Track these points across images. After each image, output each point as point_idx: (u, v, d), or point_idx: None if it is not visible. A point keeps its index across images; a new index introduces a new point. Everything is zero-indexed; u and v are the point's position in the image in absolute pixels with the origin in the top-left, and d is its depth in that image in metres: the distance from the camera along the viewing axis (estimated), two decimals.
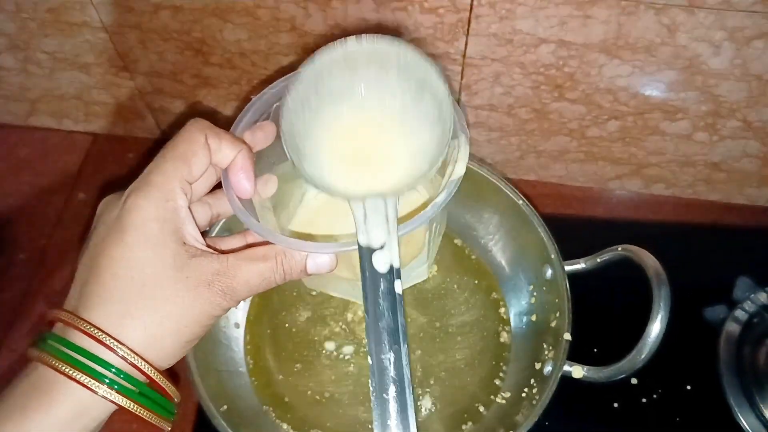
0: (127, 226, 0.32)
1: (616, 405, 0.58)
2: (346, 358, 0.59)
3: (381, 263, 0.32)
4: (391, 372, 0.32)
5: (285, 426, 0.56)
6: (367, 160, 0.36)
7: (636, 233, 0.53)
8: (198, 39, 0.62)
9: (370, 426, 0.55)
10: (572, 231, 0.56)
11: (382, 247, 0.32)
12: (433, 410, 0.56)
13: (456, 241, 0.64)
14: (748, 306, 0.61)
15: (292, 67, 0.62)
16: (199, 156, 0.34)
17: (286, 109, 0.35)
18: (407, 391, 0.32)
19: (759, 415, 0.57)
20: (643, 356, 0.45)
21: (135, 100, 0.72)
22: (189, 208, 0.34)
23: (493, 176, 0.58)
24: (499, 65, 0.59)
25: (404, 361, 0.32)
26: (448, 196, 0.34)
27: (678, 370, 0.59)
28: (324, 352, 0.59)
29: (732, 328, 0.61)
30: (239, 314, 0.61)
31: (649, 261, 0.47)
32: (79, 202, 0.73)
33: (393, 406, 0.32)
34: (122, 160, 0.75)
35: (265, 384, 0.58)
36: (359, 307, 0.61)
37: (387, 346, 0.32)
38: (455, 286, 0.62)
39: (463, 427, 0.56)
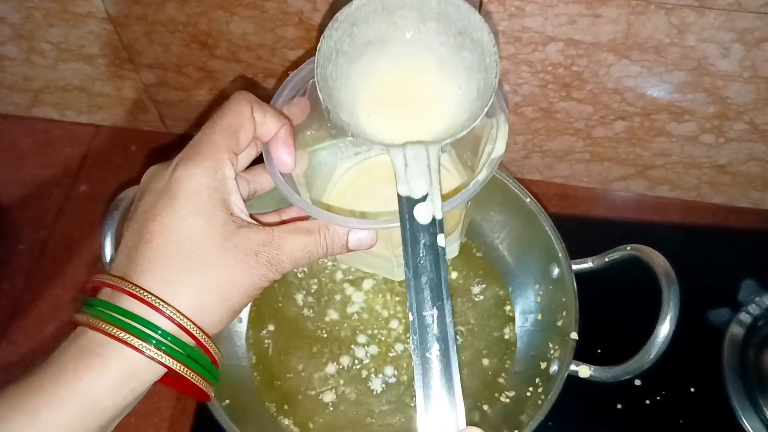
0: (178, 193, 0.32)
1: (619, 406, 0.58)
2: (351, 353, 0.59)
3: (423, 215, 0.31)
4: (435, 330, 0.31)
5: (287, 421, 0.55)
6: (405, 107, 0.35)
7: (640, 234, 0.53)
8: (204, 31, 0.61)
9: (373, 422, 0.56)
10: (576, 231, 0.56)
11: (423, 199, 0.31)
12: None
13: (462, 238, 0.63)
14: (753, 309, 0.61)
15: (298, 62, 0.62)
16: (246, 128, 0.35)
17: (321, 56, 0.34)
18: (451, 350, 0.31)
19: (763, 419, 0.56)
20: (651, 357, 0.44)
21: (139, 92, 0.71)
22: (235, 179, 0.34)
23: (500, 173, 0.57)
24: (507, 63, 0.59)
25: (448, 319, 0.31)
26: (490, 173, 0.33)
27: (682, 373, 0.58)
28: (327, 347, 0.59)
29: (736, 330, 0.60)
30: None
31: (658, 261, 0.46)
32: (81, 194, 0.72)
33: (436, 366, 0.31)
34: (125, 153, 0.75)
35: (267, 379, 0.58)
36: (363, 301, 0.61)
37: (430, 302, 0.31)
38: (460, 283, 0.62)
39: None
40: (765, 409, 0.57)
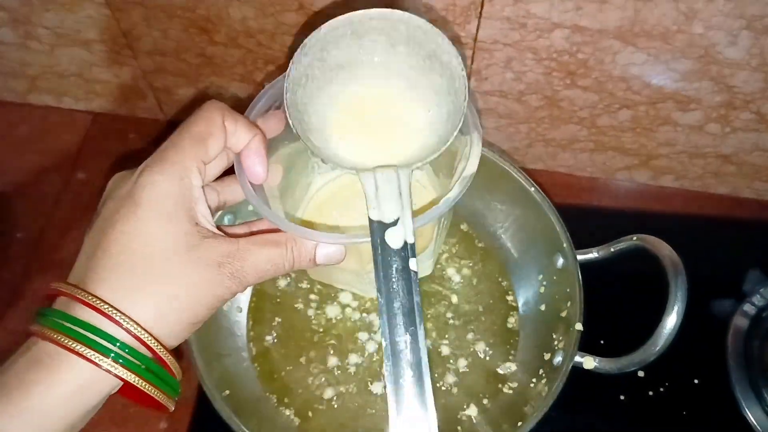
0: (141, 200, 0.32)
1: (622, 398, 0.58)
2: (353, 347, 0.58)
3: (394, 239, 0.31)
4: (408, 356, 0.31)
5: (287, 412, 0.55)
6: (375, 130, 0.35)
7: (643, 225, 0.52)
8: (203, 16, 0.60)
9: (374, 413, 0.55)
10: (579, 221, 0.55)
11: (395, 223, 0.31)
12: (437, 398, 0.55)
13: (463, 227, 0.63)
14: (757, 300, 0.61)
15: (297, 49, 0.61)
16: (216, 137, 0.34)
17: (291, 81, 0.34)
18: (425, 376, 0.31)
19: (766, 410, 0.56)
20: (658, 348, 0.44)
21: (137, 79, 0.70)
22: (202, 188, 0.34)
23: (504, 162, 0.57)
24: (511, 50, 0.58)
25: (421, 344, 0.31)
26: (460, 192, 0.33)
27: (686, 364, 0.58)
28: (329, 339, 0.58)
29: (740, 322, 0.60)
30: (242, 298, 0.60)
31: (665, 251, 0.46)
32: (78, 182, 0.72)
33: (410, 392, 0.30)
34: (123, 140, 0.74)
35: (268, 370, 0.57)
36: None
37: (402, 328, 0.31)
38: (462, 274, 0.61)
39: (468, 415, 0.55)
40: None
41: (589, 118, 0.64)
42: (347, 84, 0.35)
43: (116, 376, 0.30)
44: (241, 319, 0.59)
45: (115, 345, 0.30)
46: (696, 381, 0.59)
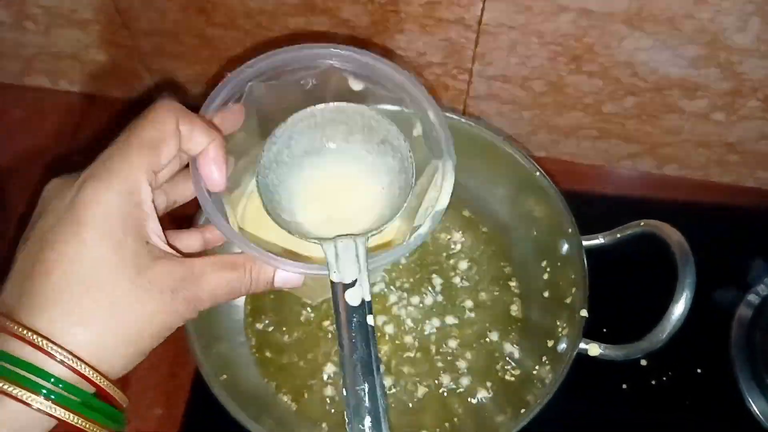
0: (83, 219, 0.28)
1: (624, 386, 0.57)
2: None
3: (353, 298, 0.33)
4: (366, 403, 0.32)
5: (285, 398, 0.54)
6: (336, 206, 0.38)
7: (647, 212, 0.51)
8: None
9: None
10: (581, 208, 0.54)
11: (353, 283, 0.33)
12: (439, 385, 0.55)
13: (465, 213, 0.62)
14: (762, 290, 0.60)
15: (299, 30, 0.60)
16: (168, 143, 0.31)
17: (262, 166, 0.36)
18: (383, 421, 0.32)
19: None
20: (664, 336, 0.43)
21: (133, 60, 0.69)
22: (152, 201, 0.31)
23: (508, 146, 0.56)
24: (516, 33, 0.57)
25: (379, 392, 0.32)
26: (432, 227, 0.35)
27: (689, 354, 0.58)
28: (328, 323, 0.58)
29: (744, 311, 0.60)
30: None
31: (674, 236, 0.45)
32: (74, 165, 0.69)
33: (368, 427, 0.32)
34: (120, 124, 0.72)
35: (266, 354, 0.56)
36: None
37: (361, 378, 0.32)
38: (465, 259, 0.61)
39: (472, 402, 0.54)
40: None
41: (594, 105, 0.63)
42: (312, 167, 0.38)
43: (51, 415, 0.27)
44: (239, 302, 0.58)
45: (48, 381, 0.27)
46: (699, 371, 0.58)
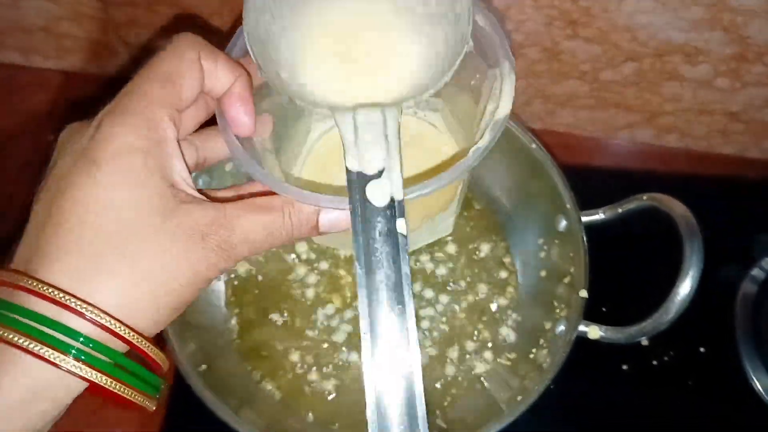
0: (100, 158, 0.26)
1: (625, 367, 0.55)
2: (340, 314, 0.55)
3: (378, 195, 0.26)
4: (391, 342, 0.25)
5: (270, 387, 0.52)
6: (356, 63, 0.30)
7: (646, 186, 0.49)
8: None
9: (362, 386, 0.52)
10: (578, 182, 0.52)
11: (379, 174, 0.26)
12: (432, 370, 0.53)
13: (457, 211, 0.60)
14: (767, 264, 0.58)
15: None
16: (190, 77, 0.28)
17: (251, 6, 0.29)
18: (416, 368, 0.25)
19: None
20: (670, 317, 0.41)
21: (108, 33, 0.66)
22: (177, 142, 0.28)
23: None
24: None
25: (410, 326, 0.25)
26: (493, 139, 0.29)
27: (691, 332, 0.55)
28: (315, 308, 0.56)
29: (749, 287, 0.58)
30: None
31: (679, 210, 0.42)
32: (49, 145, 0.66)
33: (396, 389, 0.25)
34: (96, 100, 0.69)
35: (249, 342, 0.54)
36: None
37: (387, 306, 0.25)
38: (457, 238, 0.58)
39: (466, 387, 0.52)
40: None
41: (591, 72, 0.60)
42: (323, 8, 0.30)
43: (81, 377, 0.25)
44: (219, 287, 0.55)
45: (77, 340, 0.25)
46: (702, 350, 0.56)
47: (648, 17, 0.54)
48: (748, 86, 0.59)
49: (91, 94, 0.70)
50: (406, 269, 0.26)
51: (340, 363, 0.53)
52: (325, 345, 0.54)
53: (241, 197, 0.31)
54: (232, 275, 0.56)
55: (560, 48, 0.58)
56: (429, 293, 0.56)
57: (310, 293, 0.56)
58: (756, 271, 0.58)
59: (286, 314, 0.55)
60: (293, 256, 0.57)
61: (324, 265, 0.57)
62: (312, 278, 0.56)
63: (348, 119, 0.26)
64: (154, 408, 0.28)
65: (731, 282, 0.58)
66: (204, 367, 0.46)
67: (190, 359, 0.45)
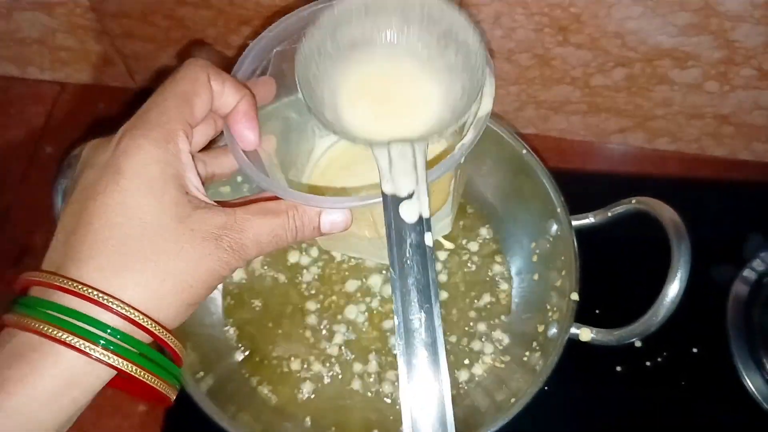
0: (124, 168, 0.28)
1: (618, 368, 0.56)
2: (335, 317, 0.56)
3: (409, 213, 0.30)
4: (422, 335, 0.29)
5: (266, 391, 0.52)
6: (389, 106, 0.34)
7: (639, 189, 0.50)
8: None
9: (359, 391, 0.53)
10: (572, 186, 0.53)
11: (410, 197, 0.30)
12: None
13: (453, 212, 0.60)
14: (758, 265, 0.59)
15: (273, 7, 0.58)
16: (201, 96, 0.31)
17: (302, 56, 0.33)
18: (440, 355, 0.29)
19: (767, 379, 0.54)
20: (659, 318, 0.41)
21: (104, 44, 0.66)
22: (190, 153, 0.31)
23: (494, 124, 0.54)
24: (500, 4, 0.54)
25: (437, 322, 0.29)
26: (476, 136, 0.32)
27: (684, 333, 0.56)
28: (309, 314, 0.56)
29: (740, 288, 0.58)
30: None
31: (667, 214, 0.43)
32: (46, 156, 0.68)
33: (425, 372, 0.29)
34: (92, 111, 0.70)
35: (246, 349, 0.54)
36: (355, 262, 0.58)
37: (417, 305, 0.29)
38: (452, 242, 0.59)
39: (461, 390, 0.53)
40: None
41: (582, 78, 0.61)
42: (361, 61, 0.35)
43: (109, 365, 0.27)
44: (216, 294, 0.56)
45: (105, 331, 0.27)
46: (695, 350, 0.57)
47: (637, 23, 0.54)
48: (737, 89, 0.60)
49: (87, 106, 0.71)
50: (433, 275, 0.30)
51: (338, 369, 0.54)
52: (323, 351, 0.54)
53: (249, 201, 0.34)
54: (230, 286, 0.57)
55: (551, 54, 0.59)
56: None
57: (309, 302, 0.56)
58: (747, 272, 0.59)
59: (283, 322, 0.56)
60: (290, 263, 0.58)
61: (321, 273, 0.57)
62: (310, 286, 0.57)
63: (384, 152, 0.30)
64: (174, 398, 0.31)
65: (723, 283, 0.59)
66: (202, 374, 0.47)
67: (189, 367, 0.45)
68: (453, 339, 0.55)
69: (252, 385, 0.53)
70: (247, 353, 0.54)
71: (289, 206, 0.32)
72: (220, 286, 0.56)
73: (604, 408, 0.55)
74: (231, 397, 0.49)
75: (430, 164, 0.32)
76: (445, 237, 0.59)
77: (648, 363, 0.56)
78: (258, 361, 0.54)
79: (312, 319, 0.56)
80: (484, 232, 0.59)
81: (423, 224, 0.30)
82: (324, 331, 0.55)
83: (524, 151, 0.53)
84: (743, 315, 0.57)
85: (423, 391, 0.29)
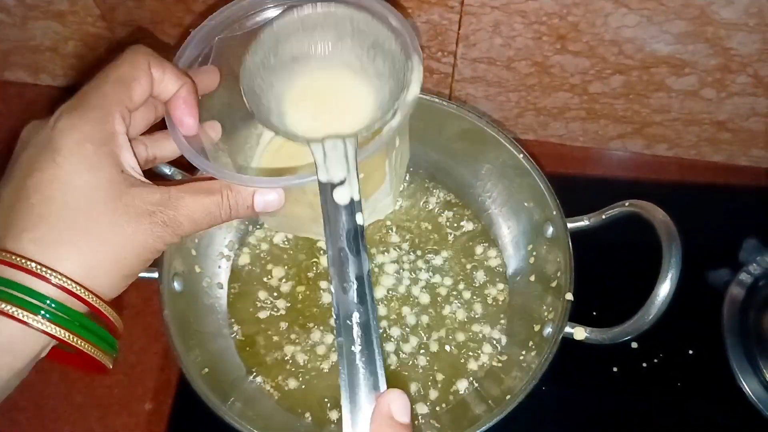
0: (60, 146, 0.30)
1: (615, 369, 0.56)
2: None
3: (341, 197, 0.33)
4: (355, 300, 0.32)
5: (270, 389, 0.54)
6: (325, 109, 0.38)
7: (637, 193, 0.50)
8: None
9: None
10: (571, 191, 0.53)
11: (342, 183, 0.33)
12: (426, 372, 0.54)
13: (450, 197, 0.62)
14: (754, 269, 0.59)
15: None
16: (140, 82, 0.32)
17: (247, 70, 0.36)
18: (371, 320, 0.31)
19: (762, 381, 0.55)
20: (650, 317, 0.42)
21: (114, 53, 0.67)
22: (126, 135, 0.32)
23: (492, 128, 0.55)
24: (500, 13, 0.56)
25: (367, 290, 0.32)
26: (403, 119, 0.35)
27: (680, 335, 0.57)
28: (312, 313, 0.57)
29: (736, 291, 0.59)
30: (222, 275, 0.58)
31: (659, 216, 0.44)
32: None
33: (357, 333, 0.31)
34: None
35: (250, 346, 0.55)
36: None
37: (350, 275, 0.32)
38: (450, 244, 0.60)
39: (457, 389, 0.54)
40: (765, 372, 0.55)
41: (581, 85, 0.62)
42: (300, 73, 0.38)
43: (48, 334, 0.28)
44: (221, 294, 0.57)
45: (44, 302, 0.28)
46: (691, 352, 0.58)
47: (634, 31, 0.55)
48: (733, 96, 0.61)
49: None
50: (363, 248, 0.33)
51: (336, 365, 0.55)
52: (324, 348, 0.55)
53: (184, 181, 0.36)
54: (232, 288, 0.58)
55: (550, 62, 0.60)
56: (425, 298, 0.57)
57: (307, 300, 0.57)
58: (743, 276, 0.59)
59: (286, 319, 0.57)
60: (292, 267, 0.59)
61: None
62: (305, 286, 0.58)
63: (319, 147, 0.34)
64: (111, 367, 0.32)
65: (719, 286, 0.59)
66: (206, 370, 0.48)
67: (195, 364, 0.47)
68: (452, 340, 0.56)
69: (256, 381, 0.54)
70: (249, 350, 0.55)
71: (224, 186, 0.33)
72: (225, 288, 0.58)
73: (601, 409, 0.56)
74: (234, 392, 0.50)
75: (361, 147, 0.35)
76: (446, 245, 0.60)
77: (644, 364, 0.57)
78: (261, 358, 0.55)
79: (316, 317, 0.57)
80: (483, 233, 0.60)
81: (353, 205, 0.33)
82: (327, 329, 0.56)
83: (521, 156, 0.54)
84: (739, 317, 0.58)
85: (359, 374, 0.31)
